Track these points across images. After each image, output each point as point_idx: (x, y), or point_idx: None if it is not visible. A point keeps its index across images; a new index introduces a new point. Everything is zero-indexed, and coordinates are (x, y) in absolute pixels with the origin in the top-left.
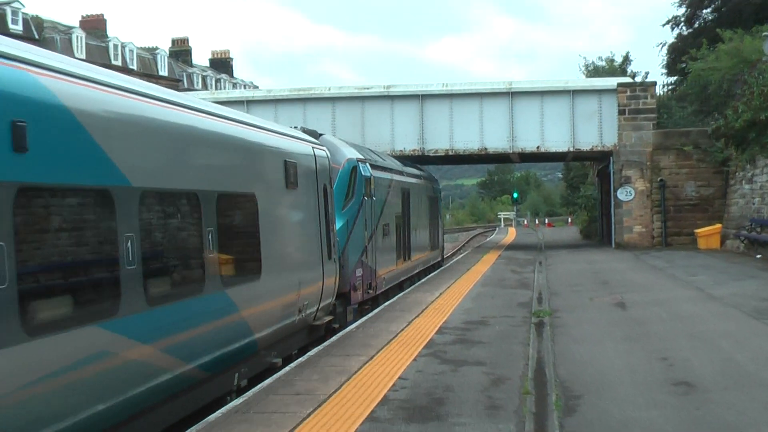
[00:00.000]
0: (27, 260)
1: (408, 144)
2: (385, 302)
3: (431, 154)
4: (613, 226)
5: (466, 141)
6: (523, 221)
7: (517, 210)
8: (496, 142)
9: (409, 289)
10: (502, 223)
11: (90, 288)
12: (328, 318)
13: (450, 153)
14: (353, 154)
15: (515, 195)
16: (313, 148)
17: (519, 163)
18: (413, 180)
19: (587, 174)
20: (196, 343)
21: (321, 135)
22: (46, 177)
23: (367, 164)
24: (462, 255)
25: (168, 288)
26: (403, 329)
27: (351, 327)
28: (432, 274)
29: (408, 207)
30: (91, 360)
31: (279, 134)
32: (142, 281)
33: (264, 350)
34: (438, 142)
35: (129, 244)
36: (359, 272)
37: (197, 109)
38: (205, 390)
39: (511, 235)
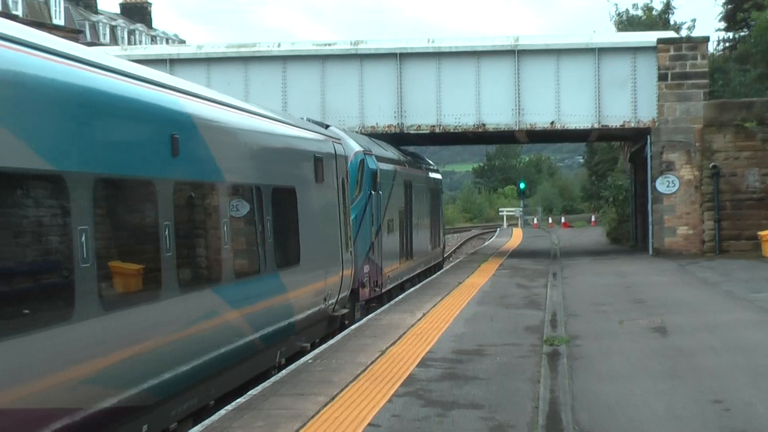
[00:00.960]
0: (181, 237)
1: (382, 118)
2: (389, 302)
3: (412, 132)
4: (650, 227)
5: (459, 114)
6: (533, 220)
7: (525, 206)
8: (498, 116)
9: (382, 309)
10: (505, 223)
11: (212, 259)
12: (344, 310)
13: (437, 130)
14: (360, 146)
15: (522, 186)
16: (333, 143)
17: (527, 143)
18: (415, 171)
19: (617, 158)
20: (260, 315)
21: (328, 126)
22: (187, 175)
23: (373, 156)
24: (452, 263)
25: (246, 264)
26: (375, 360)
27: (306, 358)
28: (414, 289)
29: (410, 201)
30: (208, 317)
31: (307, 130)
32: (232, 257)
33: (298, 333)
34: (421, 116)
35: (225, 228)
36: (366, 269)
37: (255, 113)
38: (259, 361)
39: (516, 237)
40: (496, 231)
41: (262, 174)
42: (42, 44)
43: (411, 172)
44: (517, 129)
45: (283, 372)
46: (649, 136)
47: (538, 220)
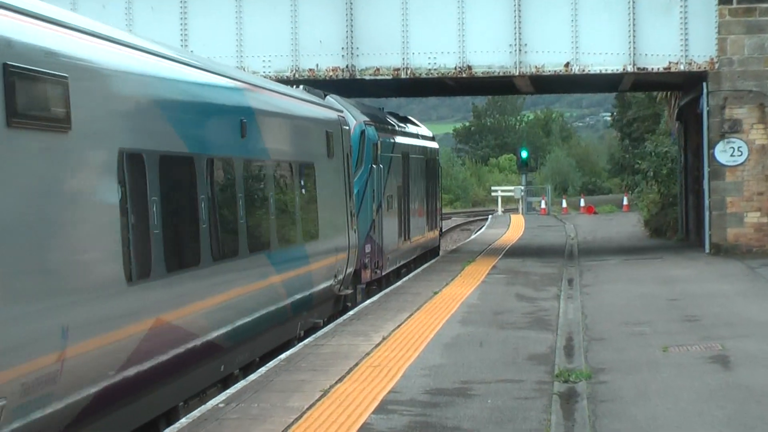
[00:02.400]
0: (248, 207)
1: (325, 57)
2: (388, 286)
3: (367, 77)
4: (706, 214)
5: (434, 52)
6: (539, 204)
7: (528, 183)
8: (490, 54)
9: (325, 331)
10: (500, 207)
11: (264, 227)
12: (347, 291)
13: (403, 75)
14: (360, 116)
15: (524, 155)
16: (338, 115)
17: (531, 94)
18: (410, 140)
19: (659, 116)
20: (292, 283)
21: (326, 95)
22: (251, 154)
23: (373, 127)
24: (424, 265)
25: (284, 234)
26: (314, 404)
27: (216, 400)
28: (370, 301)
29: (408, 175)
30: (262, 277)
31: (317, 105)
32: (276, 226)
33: (314, 308)
34: (380, 55)
35: (271, 200)
36: (368, 248)
37: (279, 92)
38: (287, 328)
39: (515, 228)
40: (487, 219)
41: (293, 151)
42: (177, 57)
43: (407, 141)
44: (517, 74)
45: (184, 420)
46: (705, 84)
47: (546, 204)
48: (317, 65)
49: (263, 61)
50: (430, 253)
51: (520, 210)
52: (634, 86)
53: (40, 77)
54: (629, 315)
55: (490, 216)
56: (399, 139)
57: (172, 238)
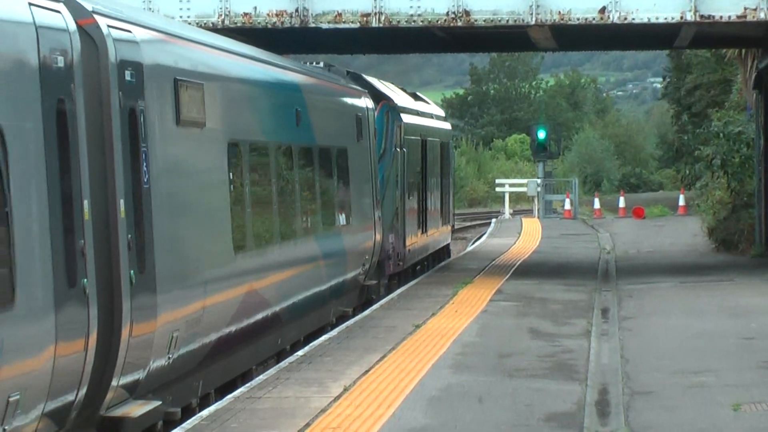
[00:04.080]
0: (304, 190)
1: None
2: (413, 279)
3: (325, 25)
4: None
5: None
6: (561, 203)
7: (548, 174)
8: None
9: (264, 376)
10: (507, 209)
11: (312, 211)
12: (372, 281)
13: (375, 23)
14: (384, 94)
15: (541, 135)
16: (363, 97)
17: (552, 51)
18: (428, 121)
19: (730, 83)
20: (330, 267)
21: (348, 72)
22: (303, 141)
23: (397, 107)
24: (399, 289)
25: (326, 219)
26: None
27: None
28: (326, 337)
29: (425, 161)
30: (311, 260)
31: (346, 87)
32: (320, 211)
33: (344, 295)
34: None
35: (317, 185)
36: (391, 238)
37: (318, 77)
38: (322, 313)
39: (529, 237)
40: (489, 224)
41: (332, 136)
42: (255, 55)
43: (424, 122)
44: (533, 22)
45: None
46: None
47: (572, 204)
48: (255, 8)
49: (180, 1)
50: (441, 252)
51: (536, 212)
52: (695, 41)
53: (191, 86)
54: (686, 359)
55: (493, 220)
56: (418, 121)
57: (258, 217)
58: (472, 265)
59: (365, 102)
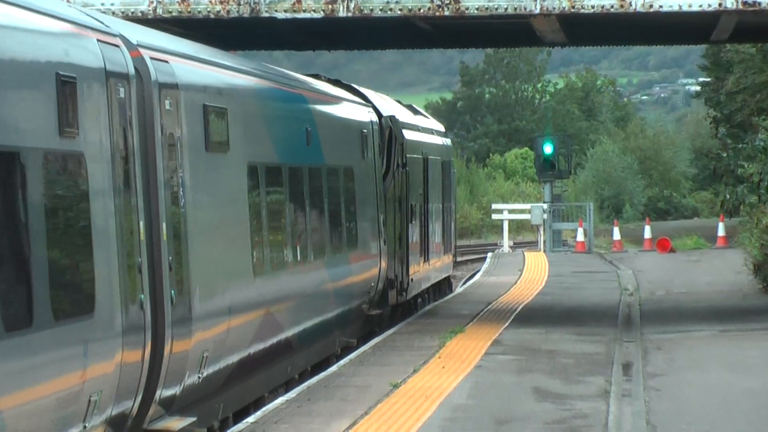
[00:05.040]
0: (313, 211)
1: None
2: (416, 312)
3: (281, 14)
4: None
5: None
6: (574, 234)
7: (556, 198)
8: None
9: None
10: (506, 240)
11: (323, 233)
12: (377, 311)
13: (342, 11)
14: (385, 107)
15: (548, 149)
16: (367, 111)
17: (562, 46)
18: (429, 138)
19: None
20: (338, 293)
21: (338, 82)
22: (313, 161)
23: (399, 123)
24: (375, 339)
25: (335, 242)
26: None
27: None
28: (273, 405)
29: (426, 182)
30: (320, 283)
31: (351, 102)
32: (329, 235)
33: (348, 325)
34: None
35: (326, 206)
36: (394, 266)
37: (324, 92)
38: (330, 342)
39: (533, 274)
40: (485, 259)
41: (339, 155)
42: (268, 73)
43: (426, 139)
44: (537, 11)
45: None
46: None
47: (586, 234)
48: None
49: None
50: (443, 284)
51: (541, 244)
52: (737, 34)
53: (217, 111)
54: (728, 426)
55: (489, 254)
56: (420, 137)
57: (273, 240)
58: (463, 310)
59: (369, 117)
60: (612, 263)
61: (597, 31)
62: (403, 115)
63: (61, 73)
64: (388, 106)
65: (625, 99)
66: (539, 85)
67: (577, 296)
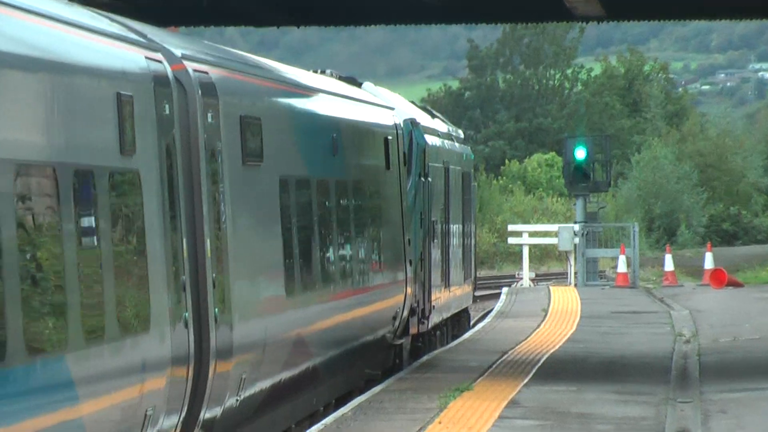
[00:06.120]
0: (340, 229)
1: None
2: (438, 346)
3: None
4: None
5: None
6: (615, 264)
7: (591, 218)
8: None
9: None
10: (527, 272)
11: (348, 253)
12: (401, 340)
13: None
14: (411, 112)
15: (581, 153)
16: (392, 116)
17: (598, 20)
18: (449, 143)
19: None
20: (363, 320)
21: (360, 84)
22: (339, 174)
23: (420, 127)
24: (361, 398)
25: (360, 265)
26: None
27: None
28: None
29: (448, 195)
30: (345, 309)
31: (373, 104)
32: (355, 255)
33: (373, 355)
34: None
35: (352, 224)
36: (416, 290)
37: (345, 96)
38: (353, 375)
39: (561, 317)
40: (499, 296)
41: (364, 166)
42: (293, 78)
43: (446, 145)
44: None
45: None
46: None
47: (630, 264)
48: None
49: None
50: (461, 315)
51: (572, 277)
52: None
53: (252, 122)
54: None
55: (505, 290)
56: (440, 143)
57: (303, 259)
58: (470, 361)
59: (393, 120)
60: (663, 301)
61: (643, 1)
62: (421, 117)
63: (121, 92)
64: (405, 107)
65: (680, 89)
66: (569, 72)
67: (617, 344)
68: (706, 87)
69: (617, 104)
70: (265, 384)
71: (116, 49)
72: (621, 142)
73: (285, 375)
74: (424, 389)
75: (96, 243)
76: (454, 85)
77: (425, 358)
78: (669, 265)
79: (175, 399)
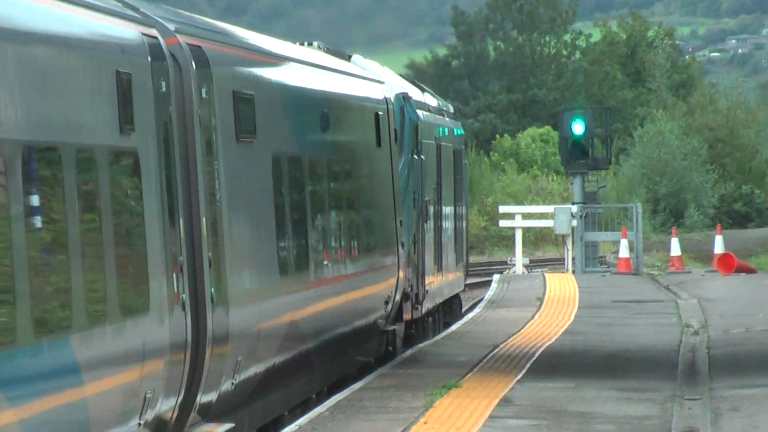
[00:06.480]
0: (333, 209)
1: None
2: (432, 333)
3: None
4: None
5: None
6: (616, 248)
7: (591, 198)
8: None
9: None
10: (519, 258)
11: (341, 235)
12: (393, 326)
13: None
14: (401, 86)
15: (578, 127)
16: (382, 90)
17: None
18: (440, 120)
19: None
20: (356, 305)
21: (350, 57)
22: (331, 152)
23: (411, 101)
24: (340, 395)
25: (352, 246)
26: None
27: None
28: None
29: (440, 174)
30: (339, 293)
31: (363, 78)
32: (347, 235)
33: (366, 341)
34: None
35: (344, 203)
36: (408, 273)
37: (333, 69)
38: (347, 360)
39: (557, 306)
40: (490, 284)
41: (355, 143)
42: (283, 52)
43: (437, 121)
44: None
45: None
46: None
47: (633, 248)
48: None
49: None
50: (452, 301)
51: (569, 263)
52: None
53: (245, 98)
54: None
55: (496, 277)
56: (431, 119)
57: (295, 239)
58: (459, 356)
59: (383, 94)
60: (669, 289)
61: None
62: (411, 92)
63: (120, 70)
64: (394, 80)
65: (687, 57)
66: (566, 38)
67: (619, 336)
68: (716, 54)
69: (618, 74)
70: (259, 368)
71: (116, 26)
72: (623, 115)
73: (278, 359)
74: (408, 386)
75: (96, 224)
76: (441, 52)
77: (409, 352)
78: (675, 249)
79: (173, 383)
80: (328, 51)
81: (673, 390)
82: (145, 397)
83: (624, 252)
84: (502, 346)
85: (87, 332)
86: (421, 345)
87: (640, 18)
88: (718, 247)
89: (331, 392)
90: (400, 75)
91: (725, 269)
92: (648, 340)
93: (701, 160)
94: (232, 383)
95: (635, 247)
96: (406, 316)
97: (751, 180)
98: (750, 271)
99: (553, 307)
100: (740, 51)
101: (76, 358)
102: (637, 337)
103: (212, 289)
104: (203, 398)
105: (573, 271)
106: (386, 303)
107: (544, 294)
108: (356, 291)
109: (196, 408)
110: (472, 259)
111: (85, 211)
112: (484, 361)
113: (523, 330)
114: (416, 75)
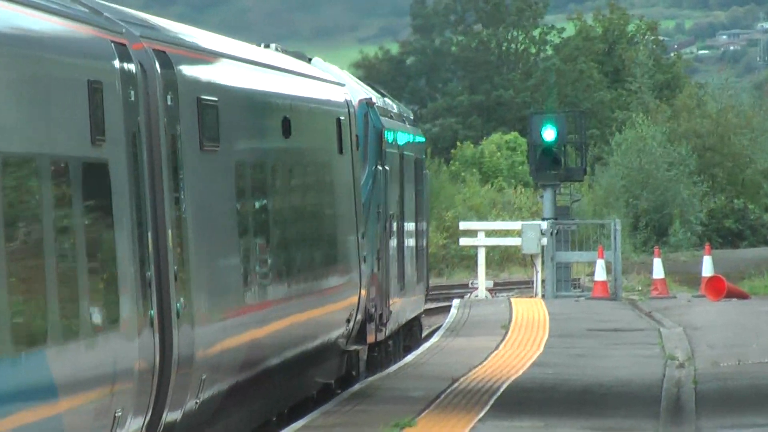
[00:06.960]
0: (294, 221)
1: None
2: (394, 358)
3: None
4: None
5: None
6: (589, 270)
7: (563, 213)
8: None
9: None
10: (482, 280)
11: (300, 249)
12: (356, 346)
13: None
14: (362, 91)
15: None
16: (344, 93)
17: None
18: (401, 127)
19: None
20: (313, 323)
21: (310, 59)
22: (292, 158)
23: (376, 107)
24: None
25: (313, 259)
26: None
27: None
28: None
29: (402, 185)
30: (301, 308)
31: (324, 81)
32: (308, 247)
33: (325, 361)
34: None
35: (306, 212)
36: (372, 292)
37: (294, 71)
38: (305, 382)
39: (526, 332)
40: (449, 309)
41: (316, 150)
42: (245, 55)
43: (399, 128)
44: None
45: None
46: None
47: (610, 269)
48: None
49: None
50: (412, 323)
51: (538, 286)
52: None
53: (209, 105)
54: None
55: (456, 302)
56: (393, 126)
57: (259, 251)
58: (413, 391)
59: (345, 97)
60: (651, 316)
61: None
62: (373, 97)
63: (90, 79)
64: (353, 85)
65: (672, 54)
66: (536, 33)
67: (594, 369)
68: (705, 52)
69: (594, 73)
70: (222, 386)
71: (87, 35)
72: (599, 119)
73: (240, 377)
74: (355, 425)
75: (68, 239)
76: (394, 48)
77: (357, 387)
78: (658, 271)
79: (142, 402)
80: (287, 53)
81: (656, 429)
82: (115, 416)
83: (600, 274)
84: (462, 379)
85: (61, 348)
86: (370, 379)
87: (619, 10)
88: (707, 270)
89: (291, 415)
90: (369, 84)
91: (714, 294)
92: (627, 374)
93: (688, 171)
94: (196, 402)
95: (613, 268)
96: (370, 338)
97: (743, 193)
98: (742, 296)
99: (520, 335)
100: (732, 48)
101: (51, 375)
102: (615, 369)
103: (178, 305)
104: (168, 417)
105: (543, 296)
106: (348, 321)
107: (510, 321)
108: (316, 308)
109: (161, 427)
110: (430, 281)
111: (56, 225)
112: (442, 396)
113: (486, 362)
114: (367, 74)
